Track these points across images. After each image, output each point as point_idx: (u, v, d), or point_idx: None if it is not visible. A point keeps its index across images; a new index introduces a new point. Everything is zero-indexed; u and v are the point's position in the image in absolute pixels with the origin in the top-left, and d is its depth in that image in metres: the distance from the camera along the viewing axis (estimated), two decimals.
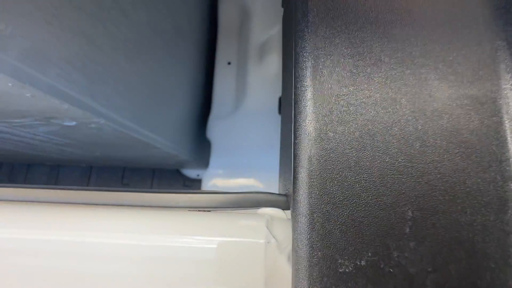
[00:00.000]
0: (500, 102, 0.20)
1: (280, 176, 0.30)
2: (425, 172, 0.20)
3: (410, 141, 0.20)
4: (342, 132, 0.20)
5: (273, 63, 1.13)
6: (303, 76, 0.20)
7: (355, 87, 0.21)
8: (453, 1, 0.22)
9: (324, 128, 0.20)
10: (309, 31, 0.21)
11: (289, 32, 0.26)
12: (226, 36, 1.36)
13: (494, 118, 0.20)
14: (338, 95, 0.20)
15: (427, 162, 0.20)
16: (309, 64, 0.20)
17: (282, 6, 0.32)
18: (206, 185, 1.11)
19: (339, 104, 0.20)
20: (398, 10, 0.21)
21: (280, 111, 0.91)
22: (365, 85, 0.21)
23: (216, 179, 1.10)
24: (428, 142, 0.20)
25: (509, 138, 0.20)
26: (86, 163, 1.41)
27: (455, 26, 0.21)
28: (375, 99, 0.20)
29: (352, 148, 0.20)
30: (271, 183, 0.99)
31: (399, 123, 0.20)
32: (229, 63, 1.32)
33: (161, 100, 0.86)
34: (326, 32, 0.21)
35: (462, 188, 0.20)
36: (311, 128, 0.20)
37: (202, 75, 1.30)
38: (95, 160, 1.24)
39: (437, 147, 0.20)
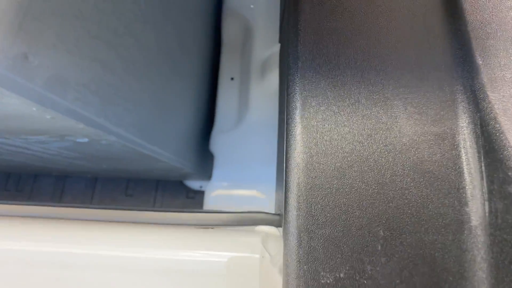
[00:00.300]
0: (458, 138, 0.24)
1: (276, 197, 0.33)
2: (394, 197, 0.23)
3: (382, 171, 0.24)
4: (325, 163, 0.24)
5: (275, 79, 1.17)
6: (293, 114, 0.24)
7: (337, 125, 0.24)
8: (420, 50, 0.25)
9: (310, 159, 0.24)
10: (299, 75, 0.24)
11: (283, 70, 0.30)
12: (229, 53, 1.42)
13: (453, 151, 0.24)
14: (322, 132, 0.24)
15: (396, 189, 0.23)
16: (298, 104, 0.24)
17: (280, 42, 0.36)
18: (209, 196, 1.14)
19: (323, 139, 0.24)
20: (373, 58, 0.25)
21: None
22: (346, 123, 0.24)
23: (219, 191, 1.13)
24: (398, 172, 0.24)
25: (465, 169, 0.23)
26: (92, 174, 1.46)
27: (421, 72, 0.25)
28: (353, 135, 0.24)
29: (333, 176, 0.24)
30: (272, 195, 1.02)
31: (373, 156, 0.24)
32: (232, 79, 1.37)
33: (167, 116, 0.91)
34: (313, 77, 0.24)
35: (425, 211, 0.23)
36: (299, 159, 0.24)
37: (206, 91, 1.35)
38: (101, 171, 1.29)
39: (405, 176, 0.24)
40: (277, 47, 1.22)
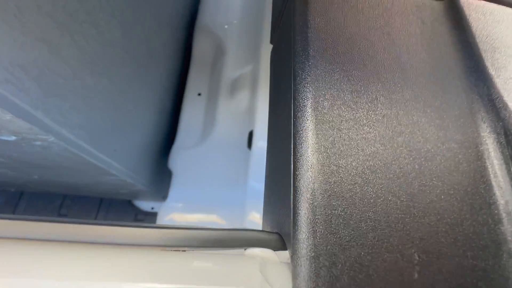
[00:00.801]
0: (482, 148, 0.22)
1: (266, 213, 0.27)
2: (426, 212, 0.20)
3: (409, 179, 0.21)
4: (344, 166, 0.20)
5: (244, 99, 1.15)
6: (304, 106, 0.20)
7: (355, 122, 0.21)
8: (433, 56, 0.25)
9: (327, 160, 0.19)
10: (310, 64, 0.21)
11: (282, 65, 0.26)
12: (198, 68, 1.38)
13: (478, 162, 0.22)
14: (339, 128, 0.20)
15: (427, 202, 0.20)
16: (310, 94, 0.20)
17: (271, 43, 0.33)
18: (162, 219, 1.00)
19: (340, 137, 0.20)
20: (388, 58, 0.23)
21: (249, 145, 0.90)
22: (365, 121, 0.21)
23: (174, 214, 1.01)
24: (426, 182, 0.21)
25: (493, 182, 0.21)
26: (16, 187, 1.20)
27: (437, 77, 0.24)
28: (374, 135, 0.21)
29: (355, 183, 0.20)
30: (234, 220, 0.93)
31: (397, 161, 0.21)
32: (199, 94, 1.31)
33: (124, 123, 0.80)
34: (326, 67, 0.21)
35: (461, 230, 0.20)
36: (314, 160, 0.19)
37: (170, 103, 1.26)
38: (30, 184, 1.06)
39: (434, 187, 0.21)
40: (248, 68, 1.22)
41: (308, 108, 0.20)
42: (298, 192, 0.19)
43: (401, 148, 0.21)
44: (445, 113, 0.23)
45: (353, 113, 0.21)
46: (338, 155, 0.20)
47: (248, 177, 0.88)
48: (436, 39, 0.25)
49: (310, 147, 0.19)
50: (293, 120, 0.21)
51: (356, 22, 0.24)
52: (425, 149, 0.22)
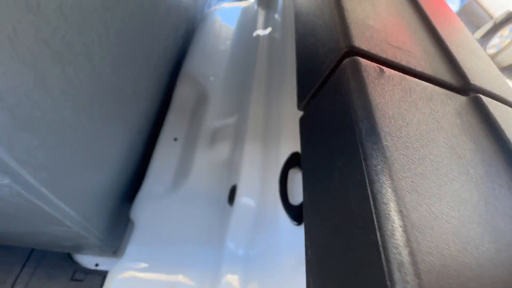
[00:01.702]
0: None
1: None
2: None
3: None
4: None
5: (225, 151, 1.12)
6: (386, 199, 0.18)
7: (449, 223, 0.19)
8: (480, 146, 0.26)
9: (441, 257, 0.16)
10: (383, 145, 0.20)
11: (333, 138, 0.25)
12: (177, 113, 1.34)
13: None
14: (431, 227, 0.18)
15: None
16: (388, 183, 0.18)
17: (300, 109, 0.33)
18: (115, 278, 0.82)
19: (440, 239, 0.18)
20: (444, 145, 0.23)
21: (230, 202, 0.84)
22: (462, 221, 0.19)
23: (130, 273, 0.83)
24: None
25: None
26: None
27: (492, 167, 0.24)
28: (469, 219, 0.19)
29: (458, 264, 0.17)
30: (205, 283, 0.80)
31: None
32: (175, 139, 1.25)
33: (91, 163, 0.70)
34: (399, 150, 0.20)
35: None
36: (415, 245, 0.16)
37: (143, 146, 1.17)
38: None
39: None
40: (232, 119, 1.22)
41: (391, 204, 0.18)
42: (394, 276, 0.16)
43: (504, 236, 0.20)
44: None
45: (443, 208, 0.20)
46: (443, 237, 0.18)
47: (226, 237, 0.80)
48: (474, 131, 0.27)
49: (398, 229, 0.17)
50: (375, 207, 0.18)
51: (408, 107, 0.24)
52: None
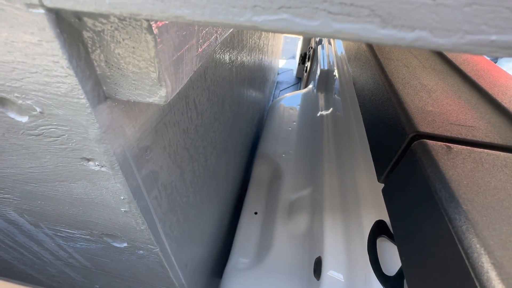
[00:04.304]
0: None
1: None
2: None
3: None
4: None
5: (303, 222, 1.16)
6: (472, 248, 0.23)
7: None
8: None
9: None
10: (463, 209, 0.25)
11: (416, 206, 0.31)
12: (256, 189, 1.49)
13: None
14: None
15: None
16: (480, 245, 0.23)
17: (381, 182, 0.40)
18: None
19: None
20: None
21: (316, 275, 0.84)
22: None
23: None
24: None
25: None
26: None
27: None
28: None
29: None
30: None
31: None
32: (255, 213, 1.36)
33: (197, 237, 0.84)
34: (480, 212, 0.25)
35: None
36: None
37: (228, 221, 1.31)
38: None
39: None
40: (306, 191, 1.29)
41: (483, 257, 0.22)
42: None
43: None
44: None
45: None
46: None
47: None
48: None
49: None
50: (469, 261, 0.23)
51: (482, 177, 0.29)
52: None
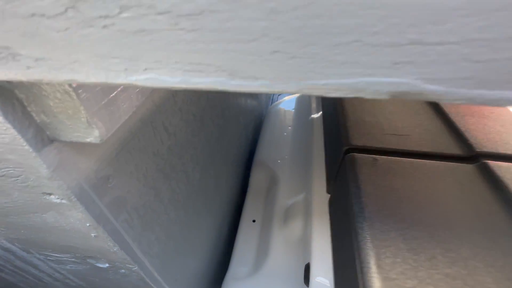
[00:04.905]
0: None
1: None
2: None
3: None
4: None
5: (297, 228, 1.17)
6: (368, 263, 0.24)
7: (419, 281, 0.23)
8: (482, 213, 0.28)
9: None
10: (367, 224, 0.26)
11: (342, 219, 0.32)
12: (254, 197, 1.51)
13: None
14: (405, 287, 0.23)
15: None
16: (372, 252, 0.25)
17: (328, 193, 0.41)
18: None
19: None
20: (437, 217, 0.27)
21: (306, 281, 0.85)
22: (429, 280, 0.23)
23: None
24: None
25: None
26: None
27: (493, 235, 0.26)
28: None
29: None
30: None
31: None
32: (254, 221, 1.38)
33: (187, 250, 0.87)
34: (381, 227, 0.26)
35: None
36: None
37: (227, 230, 1.33)
38: None
39: None
40: (300, 196, 1.30)
41: (371, 265, 0.24)
42: None
43: None
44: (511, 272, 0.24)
45: (415, 271, 0.24)
46: None
47: None
48: (477, 198, 0.29)
49: None
50: (361, 275, 0.24)
51: (401, 187, 0.30)
52: None
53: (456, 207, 0.28)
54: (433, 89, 0.17)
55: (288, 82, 0.19)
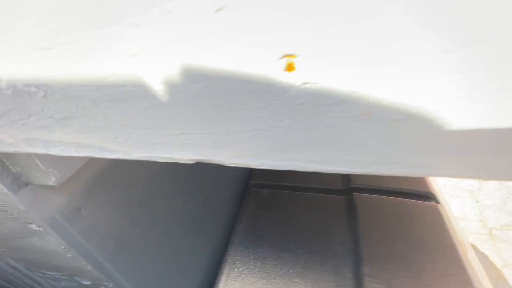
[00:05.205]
0: None
1: None
2: None
3: None
4: None
5: None
6: (220, 275, 0.30)
7: None
8: (324, 239, 0.33)
9: None
10: (233, 248, 0.32)
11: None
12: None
13: None
14: None
15: None
16: (226, 270, 0.30)
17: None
18: None
19: None
20: (289, 241, 0.33)
21: None
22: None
23: None
24: None
25: None
26: None
27: (323, 257, 0.31)
28: None
29: None
30: None
31: None
32: None
33: (172, 273, 0.94)
34: (241, 251, 0.32)
35: None
36: None
37: (222, 253, 1.38)
38: None
39: None
40: None
41: (222, 277, 0.29)
42: None
43: None
44: None
45: (254, 285, 0.29)
46: None
47: None
48: (337, 227, 0.34)
49: None
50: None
51: (274, 215, 0.36)
52: None
53: (308, 232, 0.34)
54: None
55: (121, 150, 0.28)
